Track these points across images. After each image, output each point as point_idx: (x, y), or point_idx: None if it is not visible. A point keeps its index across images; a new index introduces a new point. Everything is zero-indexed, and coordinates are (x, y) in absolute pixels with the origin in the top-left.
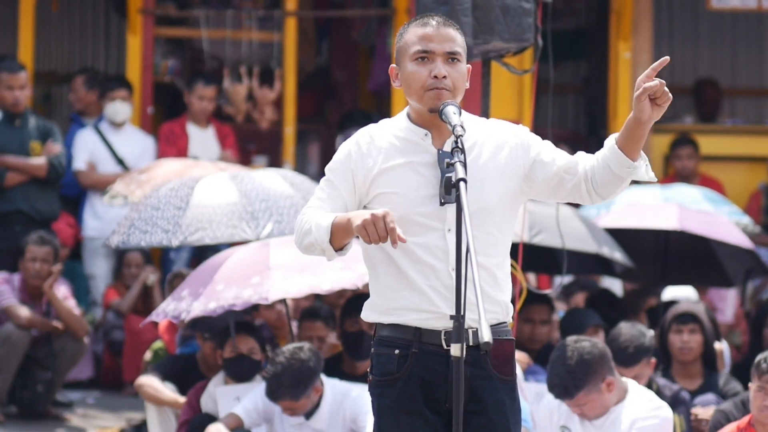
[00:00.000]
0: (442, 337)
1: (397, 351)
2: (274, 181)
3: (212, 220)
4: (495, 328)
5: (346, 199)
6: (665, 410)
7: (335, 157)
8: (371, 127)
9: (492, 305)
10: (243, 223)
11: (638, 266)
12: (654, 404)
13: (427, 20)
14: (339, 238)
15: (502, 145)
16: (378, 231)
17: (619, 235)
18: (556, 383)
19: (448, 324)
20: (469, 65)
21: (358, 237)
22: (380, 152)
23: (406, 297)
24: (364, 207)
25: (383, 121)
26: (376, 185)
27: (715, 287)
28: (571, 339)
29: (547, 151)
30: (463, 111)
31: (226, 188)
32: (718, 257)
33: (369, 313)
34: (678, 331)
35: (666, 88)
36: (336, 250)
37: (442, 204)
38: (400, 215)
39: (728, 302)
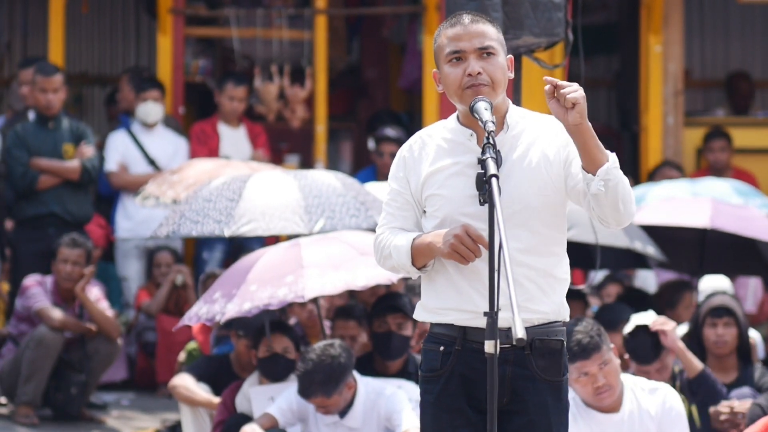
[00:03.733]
0: (486, 335)
1: (441, 348)
2: (327, 179)
3: (265, 212)
4: (543, 328)
5: (413, 205)
6: (671, 394)
7: (393, 164)
8: (424, 131)
9: (540, 305)
10: (296, 217)
11: (676, 256)
12: (661, 393)
13: (457, 19)
14: (420, 260)
15: (549, 143)
16: (470, 247)
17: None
18: (581, 338)
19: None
20: (510, 55)
21: None
22: (429, 155)
23: (450, 298)
24: (424, 211)
25: (436, 123)
26: (426, 187)
27: (755, 276)
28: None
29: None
30: (518, 107)
31: (280, 183)
32: (757, 247)
33: (420, 313)
34: (713, 325)
35: (566, 89)
36: (419, 268)
37: (482, 204)
38: (445, 215)
39: (749, 290)
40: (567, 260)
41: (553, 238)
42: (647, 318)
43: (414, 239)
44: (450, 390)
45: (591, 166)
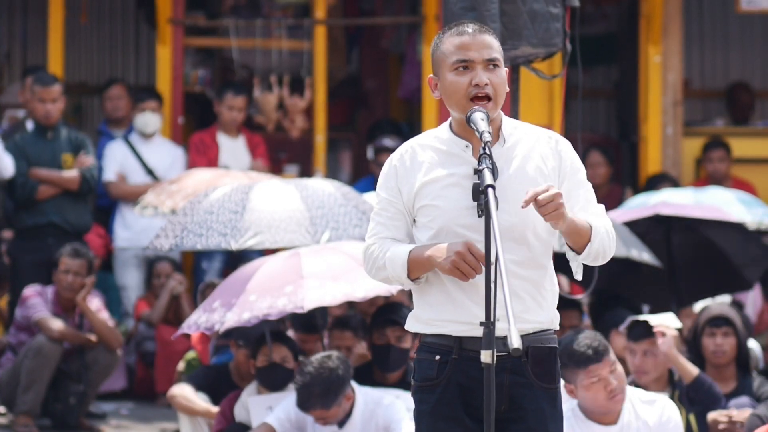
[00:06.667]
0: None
1: (437, 357)
2: (327, 188)
3: (270, 225)
4: (537, 335)
5: (405, 215)
6: (669, 406)
7: (382, 174)
8: (414, 140)
9: (535, 315)
10: (302, 229)
11: (649, 292)
12: (659, 405)
13: (463, 28)
14: (416, 272)
15: (544, 156)
16: (471, 265)
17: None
18: (590, 343)
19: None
20: (505, 68)
21: None
22: (422, 165)
23: (448, 310)
24: (414, 220)
25: (426, 133)
26: (419, 198)
27: (735, 292)
28: (569, 332)
29: (572, 191)
30: (509, 118)
31: (283, 194)
32: (730, 260)
33: (413, 324)
34: (711, 335)
35: (547, 202)
36: (413, 280)
37: (480, 215)
38: (441, 227)
39: (748, 300)
40: (553, 271)
41: (545, 251)
42: (662, 320)
43: (411, 251)
44: (447, 399)
45: (572, 244)
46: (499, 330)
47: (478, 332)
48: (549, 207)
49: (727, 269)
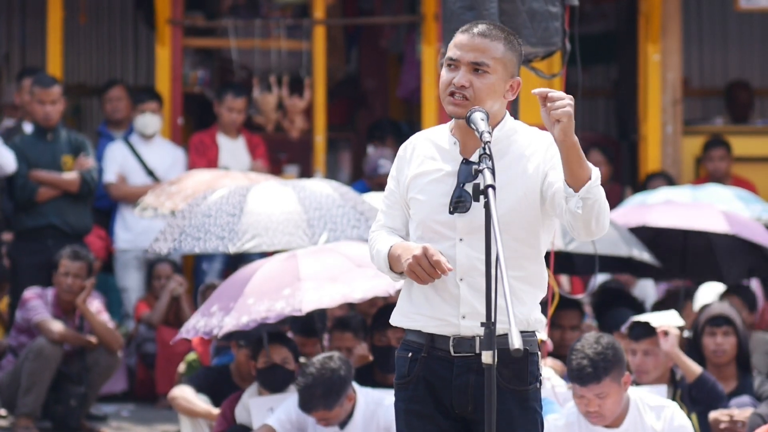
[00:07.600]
0: (451, 343)
1: (410, 354)
2: (325, 190)
3: (268, 227)
4: (506, 337)
5: (402, 205)
6: (678, 413)
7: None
8: (423, 132)
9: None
10: (299, 231)
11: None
12: (668, 412)
13: (470, 28)
14: (396, 267)
15: (531, 158)
16: (425, 270)
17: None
18: (585, 365)
19: (456, 331)
20: (518, 78)
21: None
22: (417, 158)
23: (421, 304)
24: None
25: (438, 126)
26: (410, 190)
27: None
28: (592, 333)
29: (557, 172)
30: (512, 119)
31: (280, 195)
32: (715, 253)
33: (395, 316)
34: (712, 334)
35: (557, 99)
36: (398, 273)
37: (451, 213)
38: (420, 220)
39: None
40: (540, 274)
41: (523, 253)
42: (664, 318)
43: (391, 247)
44: (418, 397)
45: (573, 182)
46: (465, 329)
47: (446, 330)
48: (558, 104)
49: (761, 253)
